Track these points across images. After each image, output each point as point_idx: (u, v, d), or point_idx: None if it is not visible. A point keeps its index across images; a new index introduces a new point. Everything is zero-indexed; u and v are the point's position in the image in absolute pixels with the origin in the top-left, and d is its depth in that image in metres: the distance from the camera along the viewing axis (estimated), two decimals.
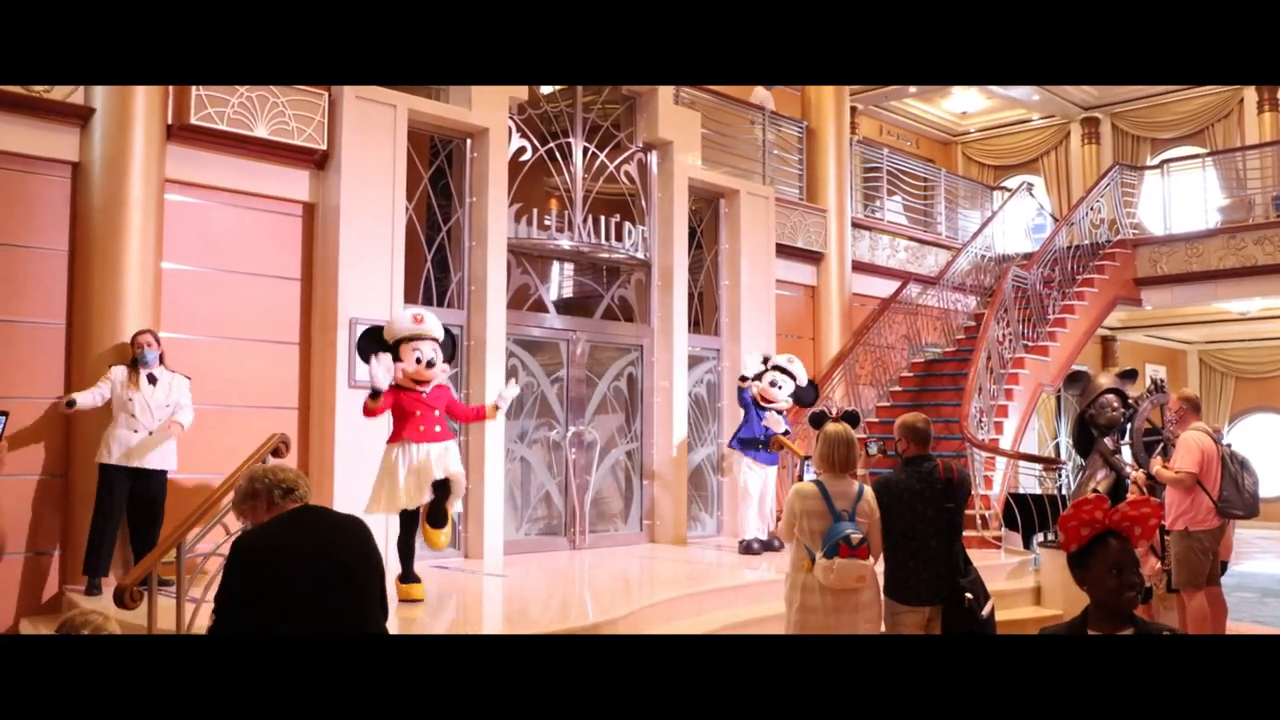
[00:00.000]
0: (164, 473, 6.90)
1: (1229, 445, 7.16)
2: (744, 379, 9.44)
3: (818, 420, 5.03)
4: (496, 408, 7.15)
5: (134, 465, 6.74)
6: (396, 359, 6.64)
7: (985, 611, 4.86)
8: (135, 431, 6.74)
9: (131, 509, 6.80)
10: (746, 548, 9.15)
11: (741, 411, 9.55)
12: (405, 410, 6.65)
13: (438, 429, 6.72)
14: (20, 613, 6.82)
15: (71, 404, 6.64)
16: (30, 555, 6.89)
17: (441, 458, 6.64)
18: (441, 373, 6.86)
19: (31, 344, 6.96)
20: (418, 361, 6.67)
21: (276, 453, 6.12)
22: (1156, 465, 7.23)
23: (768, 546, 9.17)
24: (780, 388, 9.35)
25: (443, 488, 6.64)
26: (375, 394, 6.51)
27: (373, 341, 6.71)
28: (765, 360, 9.55)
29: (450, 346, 7.09)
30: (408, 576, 6.66)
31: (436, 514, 6.68)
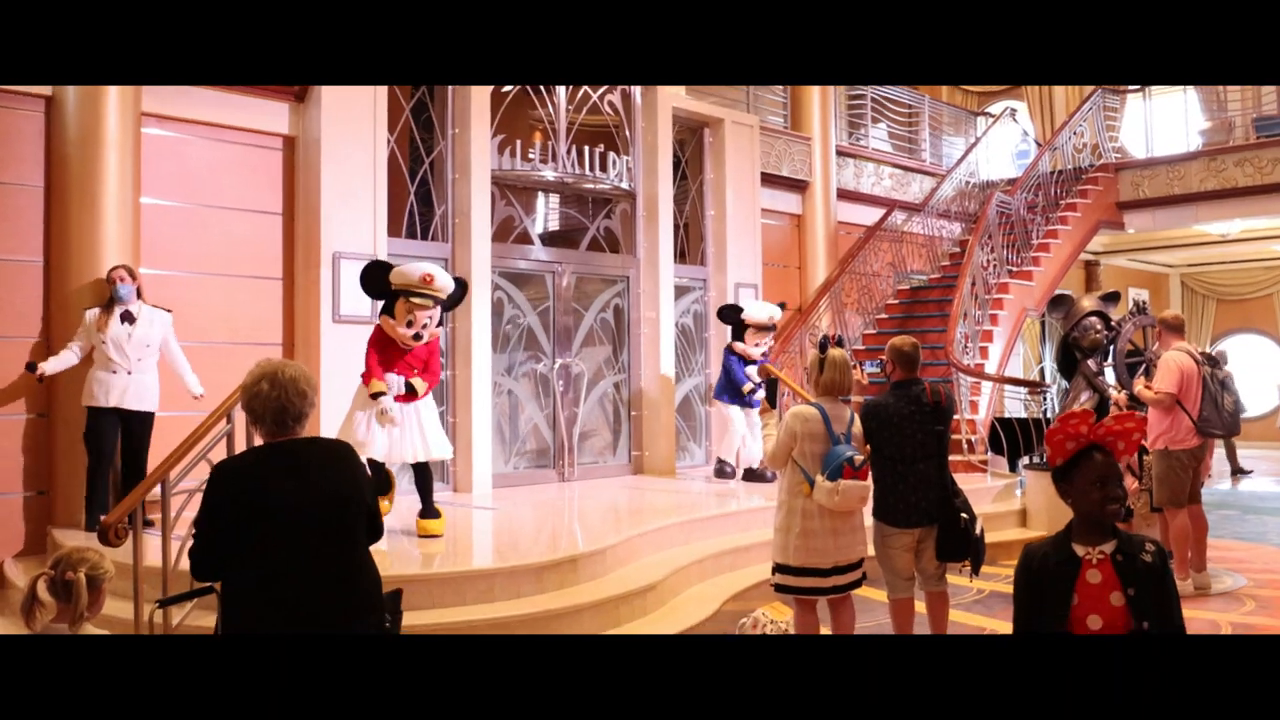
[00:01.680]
0: (150, 414, 6.87)
1: (1212, 365, 7.18)
2: (734, 332, 9.41)
3: (823, 345, 5.03)
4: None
5: (118, 406, 6.70)
6: (391, 308, 6.43)
7: (977, 531, 4.92)
8: (114, 372, 6.68)
9: (123, 449, 6.78)
10: (720, 470, 9.32)
11: (719, 368, 9.61)
12: (387, 360, 6.49)
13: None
14: (6, 553, 6.82)
15: (33, 368, 6.59)
16: (15, 495, 6.87)
17: (426, 423, 6.54)
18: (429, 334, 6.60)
19: (8, 282, 6.89)
20: (409, 325, 6.40)
21: None
22: (1139, 385, 7.28)
23: (758, 477, 9.22)
24: (758, 344, 9.34)
25: (422, 471, 6.61)
26: (377, 396, 6.39)
27: (380, 277, 6.44)
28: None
29: (460, 292, 6.79)
30: (426, 511, 6.71)
31: (429, 508, 6.65)
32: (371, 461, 6.50)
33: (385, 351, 6.50)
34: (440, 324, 6.77)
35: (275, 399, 3.12)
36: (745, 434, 9.31)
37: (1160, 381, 6.99)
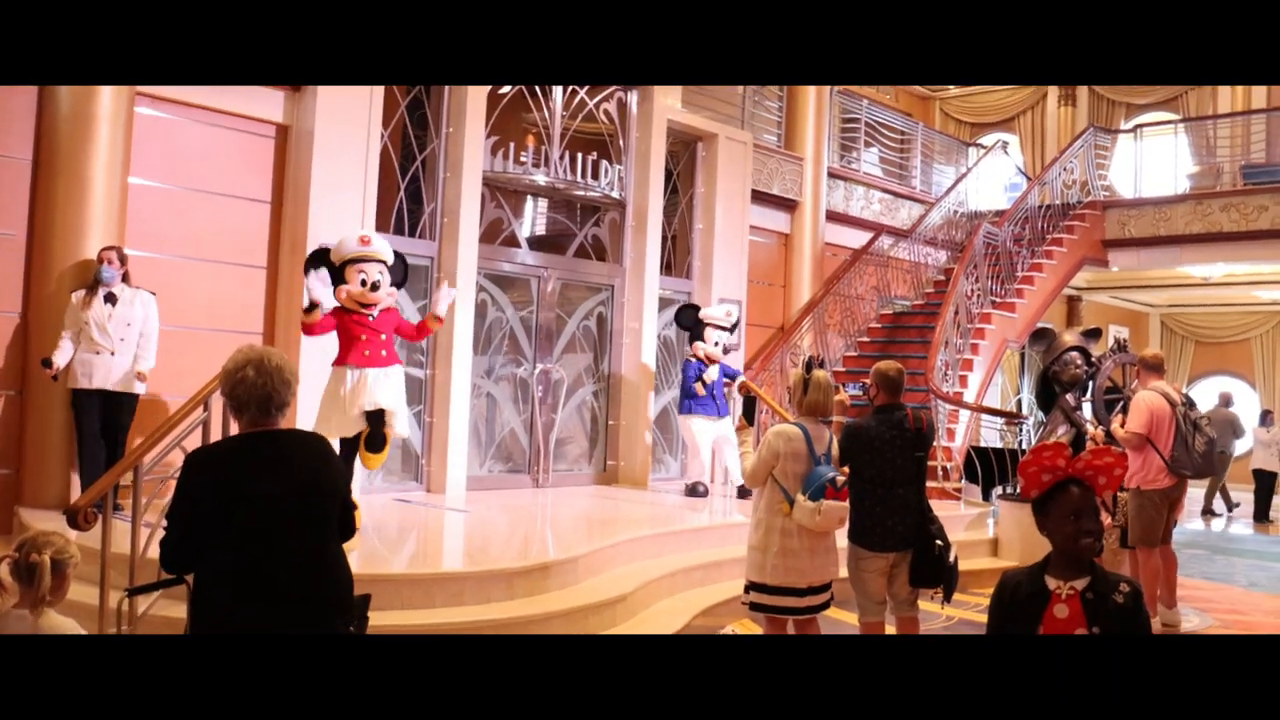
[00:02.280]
0: (134, 396, 6.81)
1: (1185, 406, 7.19)
2: (692, 336, 9.33)
3: (808, 366, 5.03)
4: (437, 318, 6.80)
5: (101, 388, 6.66)
6: (342, 281, 6.43)
7: (951, 558, 4.92)
8: (97, 353, 6.63)
9: (103, 431, 6.73)
10: (692, 490, 9.22)
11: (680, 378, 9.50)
12: (350, 334, 6.42)
13: (383, 353, 6.49)
14: None
15: (48, 364, 6.51)
16: None
17: (379, 383, 6.43)
18: (389, 296, 6.59)
19: None
20: (362, 284, 6.40)
21: None
22: (1115, 423, 7.32)
23: (748, 495, 9.18)
24: (718, 343, 9.25)
25: (375, 418, 6.47)
26: (310, 308, 6.30)
27: (318, 262, 6.52)
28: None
29: (401, 270, 6.82)
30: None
31: (374, 440, 6.48)
32: (371, 417, 6.42)
33: (347, 335, 6.43)
34: (399, 284, 6.76)
35: (261, 386, 3.07)
36: (725, 449, 9.24)
37: (1130, 421, 7.04)
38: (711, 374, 9.14)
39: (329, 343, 6.59)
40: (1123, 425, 7.14)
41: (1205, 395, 16.87)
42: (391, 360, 6.57)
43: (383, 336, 6.53)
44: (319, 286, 6.37)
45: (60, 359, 6.56)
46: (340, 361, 6.47)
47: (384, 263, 6.56)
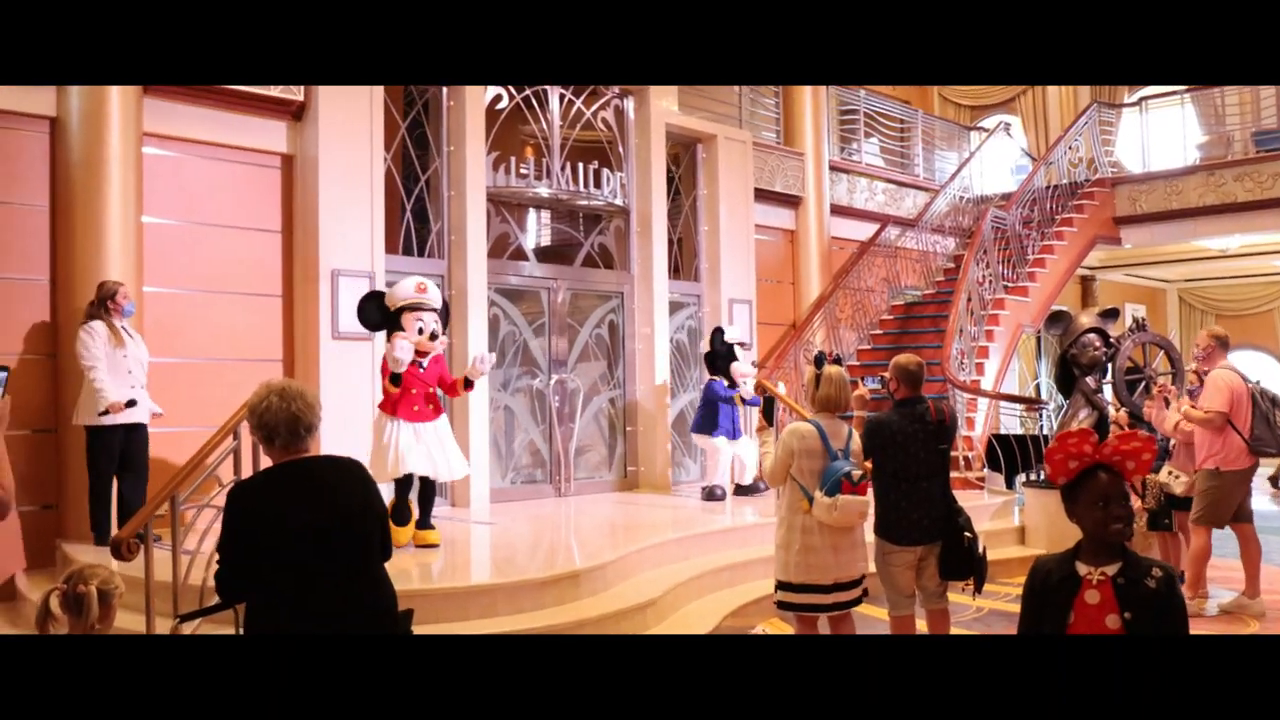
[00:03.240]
0: (145, 426, 6.84)
1: (1258, 382, 7.06)
2: (714, 366, 9.35)
3: (819, 361, 5.04)
4: (470, 383, 6.91)
5: (125, 422, 6.66)
6: (398, 328, 6.54)
7: (980, 550, 4.93)
8: (131, 388, 6.64)
9: (122, 464, 6.71)
10: (710, 494, 9.19)
11: (703, 399, 9.46)
12: (403, 385, 6.52)
13: (430, 406, 6.68)
14: (16, 567, 6.83)
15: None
16: (23, 511, 6.87)
17: (433, 442, 6.61)
18: (440, 345, 6.78)
19: (16, 300, 6.92)
20: (420, 332, 6.56)
21: None
22: (1185, 405, 7.02)
23: (751, 490, 9.26)
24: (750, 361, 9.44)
25: (429, 482, 6.72)
26: (396, 379, 6.41)
27: (376, 308, 6.62)
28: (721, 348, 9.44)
29: (444, 315, 6.96)
30: (424, 523, 6.80)
31: (425, 520, 6.77)
32: (400, 486, 6.64)
33: (400, 386, 6.54)
34: (441, 335, 6.87)
35: (286, 409, 3.17)
36: (737, 454, 9.30)
37: (1210, 400, 6.75)
38: (747, 390, 9.26)
39: (350, 370, 6.67)
40: (1194, 406, 6.87)
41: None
42: (438, 412, 6.74)
43: (430, 389, 6.68)
44: (405, 355, 6.39)
45: (115, 396, 6.47)
46: (389, 411, 6.59)
47: (436, 310, 6.70)
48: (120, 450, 6.68)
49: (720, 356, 9.26)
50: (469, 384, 6.88)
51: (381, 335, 6.92)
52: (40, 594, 3.25)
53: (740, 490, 9.38)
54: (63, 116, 7.01)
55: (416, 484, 6.84)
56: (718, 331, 9.40)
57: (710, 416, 9.21)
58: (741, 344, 9.46)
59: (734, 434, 9.23)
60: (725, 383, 9.19)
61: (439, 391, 6.86)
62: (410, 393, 6.55)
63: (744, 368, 9.26)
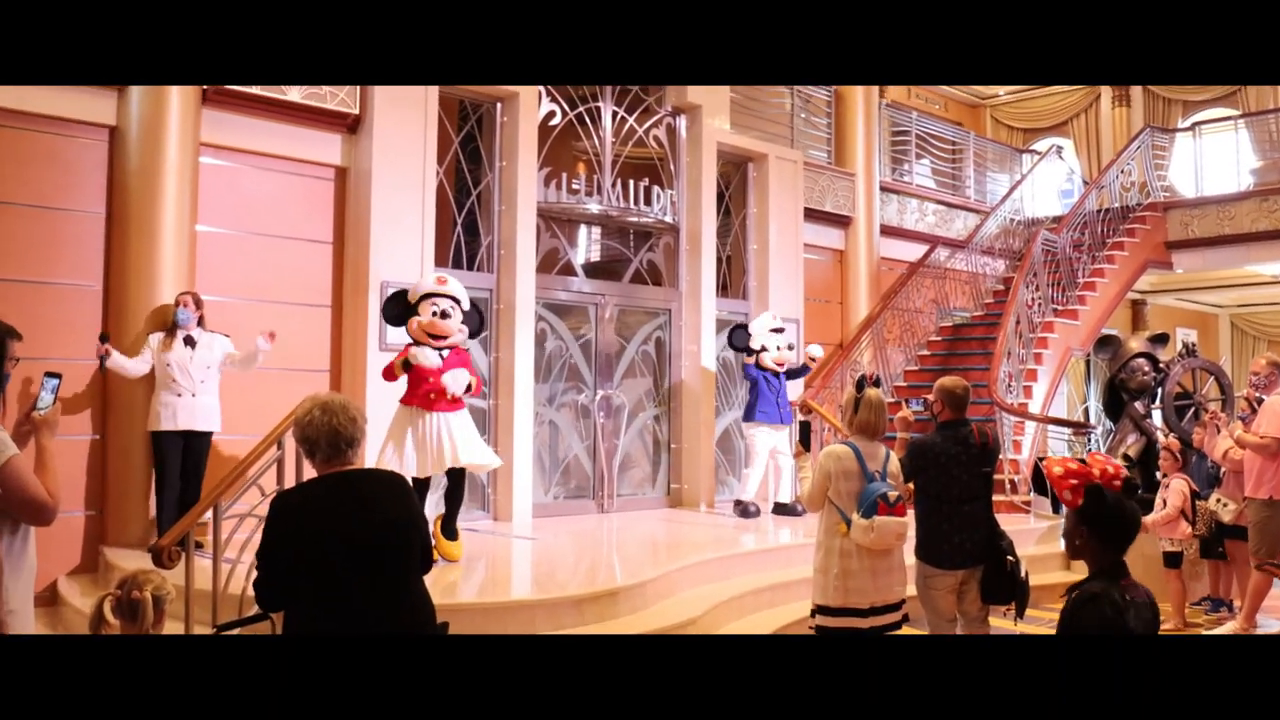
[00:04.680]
0: (209, 434, 7.00)
1: None
2: (748, 352, 9.42)
3: (860, 384, 5.02)
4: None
5: (184, 429, 6.85)
6: (415, 314, 6.62)
7: (1023, 574, 4.88)
8: (179, 395, 6.82)
9: (182, 469, 6.90)
10: (744, 510, 9.15)
11: (747, 385, 9.53)
12: (419, 374, 6.52)
13: (449, 399, 6.57)
14: (59, 571, 6.91)
15: (105, 339, 6.74)
16: (70, 515, 6.97)
17: (448, 433, 6.51)
18: (459, 331, 6.73)
19: (69, 306, 7.04)
20: (434, 313, 6.58)
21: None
22: (1238, 430, 6.89)
23: (788, 510, 9.21)
24: (780, 347, 9.38)
25: (457, 475, 6.69)
26: (406, 364, 6.47)
27: (398, 304, 6.71)
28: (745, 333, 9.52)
29: (476, 319, 6.98)
30: (449, 530, 6.77)
31: (450, 525, 6.73)
32: (452, 474, 6.66)
33: (414, 374, 6.54)
34: (475, 334, 6.94)
35: (328, 424, 3.21)
36: (777, 458, 9.26)
37: (1266, 426, 6.60)
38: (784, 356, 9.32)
39: (398, 382, 6.71)
40: (1249, 431, 6.73)
41: None
42: (458, 404, 6.64)
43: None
44: (431, 357, 6.48)
45: (117, 361, 6.72)
46: (407, 401, 6.59)
47: (456, 301, 6.71)
48: (181, 455, 6.87)
49: (749, 352, 9.36)
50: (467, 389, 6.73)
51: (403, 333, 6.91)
52: (84, 599, 3.32)
53: (778, 509, 9.34)
54: (122, 125, 7.16)
55: (442, 483, 6.84)
56: (736, 330, 9.49)
57: (753, 401, 9.25)
58: (775, 329, 9.44)
59: (778, 417, 9.19)
60: (757, 366, 9.29)
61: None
62: (426, 380, 6.48)
63: (771, 355, 9.30)
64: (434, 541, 6.56)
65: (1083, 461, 3.14)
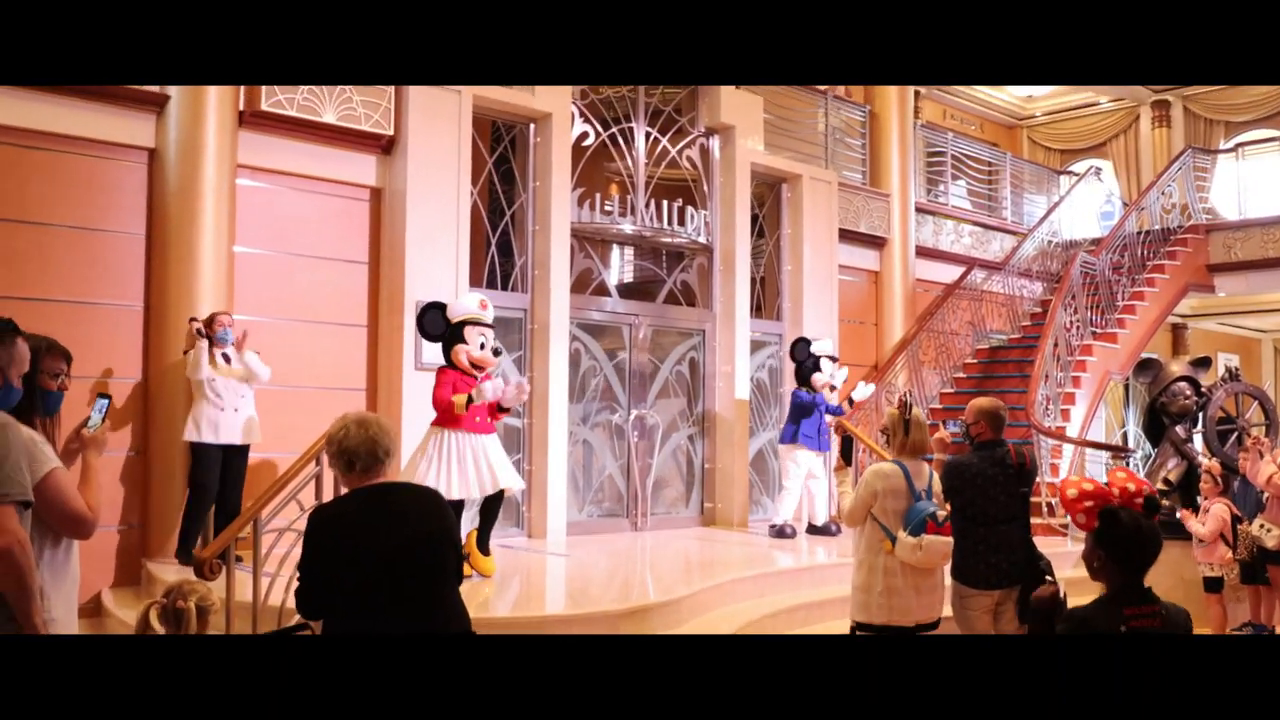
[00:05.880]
0: (247, 448, 7.07)
1: None
2: (802, 369, 9.39)
3: (908, 406, 5.00)
4: (502, 408, 6.74)
5: (225, 443, 6.92)
6: (459, 339, 6.62)
7: (1061, 595, 4.82)
8: (221, 410, 6.89)
9: (221, 483, 6.96)
10: (779, 532, 9.12)
11: (790, 408, 9.47)
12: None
13: (488, 419, 6.62)
14: (103, 584, 7.02)
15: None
16: (113, 529, 7.08)
17: (490, 455, 6.54)
18: (499, 364, 6.87)
19: (111, 325, 7.15)
20: (482, 348, 6.62)
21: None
22: (1277, 459, 6.89)
23: (824, 531, 9.19)
24: (833, 374, 9.39)
25: (495, 498, 6.69)
26: (470, 401, 6.39)
27: (440, 316, 6.69)
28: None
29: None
30: (482, 545, 6.76)
31: (484, 541, 6.73)
32: (491, 498, 6.67)
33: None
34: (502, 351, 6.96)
35: (365, 434, 3.30)
36: (810, 482, 9.23)
37: None
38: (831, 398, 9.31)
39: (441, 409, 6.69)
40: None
41: None
42: (489, 427, 6.69)
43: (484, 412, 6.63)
44: (496, 389, 6.45)
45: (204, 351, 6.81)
46: (442, 423, 6.54)
47: (493, 328, 6.79)
48: (221, 470, 6.92)
49: (803, 367, 9.31)
50: (502, 409, 6.70)
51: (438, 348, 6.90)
52: (127, 610, 3.37)
53: (813, 530, 9.32)
54: (161, 148, 7.27)
55: (477, 501, 6.84)
56: (799, 342, 9.45)
57: (796, 425, 9.21)
58: (831, 358, 9.44)
59: (818, 444, 9.16)
60: (807, 391, 9.19)
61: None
62: (462, 422, 6.50)
63: (823, 377, 9.27)
64: (467, 555, 6.56)
65: (1104, 482, 3.12)
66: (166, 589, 3.35)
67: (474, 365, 6.62)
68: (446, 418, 6.52)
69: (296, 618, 3.51)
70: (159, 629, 3.25)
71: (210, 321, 6.91)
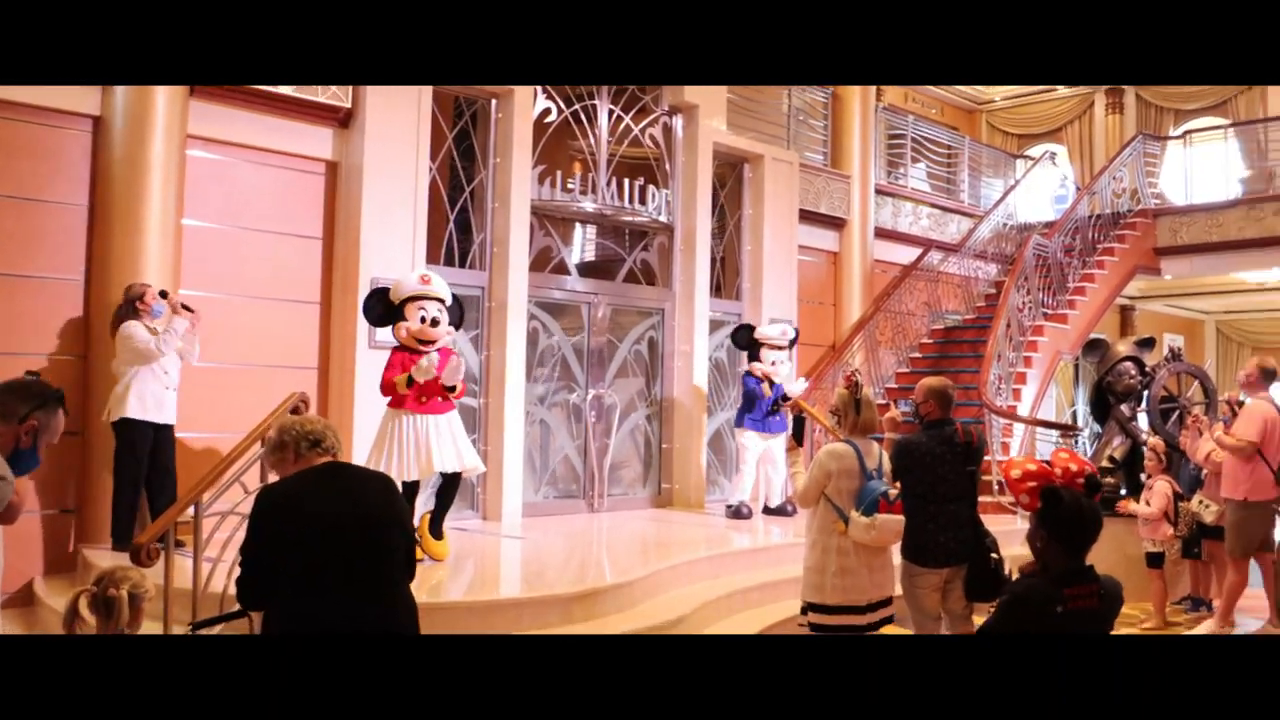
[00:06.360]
0: (173, 426, 6.82)
1: None
2: (748, 352, 9.44)
3: (856, 386, 5.03)
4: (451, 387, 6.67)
5: (156, 420, 6.64)
6: (402, 319, 6.55)
7: (1006, 572, 4.88)
8: (167, 388, 6.68)
9: (150, 465, 6.69)
10: (735, 512, 9.15)
11: (742, 395, 9.51)
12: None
13: (440, 398, 6.53)
14: (34, 572, 6.77)
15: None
16: (46, 514, 6.85)
17: (442, 436, 6.46)
18: (446, 334, 6.73)
19: (51, 299, 6.94)
20: (422, 320, 6.53)
21: (296, 411, 5.98)
22: (1218, 431, 7.01)
23: (779, 512, 9.22)
24: (777, 364, 9.36)
25: (451, 483, 6.63)
26: (410, 381, 6.35)
27: (379, 302, 6.65)
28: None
29: (457, 312, 6.98)
30: (435, 530, 6.68)
31: (437, 524, 6.65)
32: (447, 479, 6.60)
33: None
34: (456, 326, 6.91)
35: (306, 426, 3.32)
36: (767, 467, 9.26)
37: (1243, 429, 6.75)
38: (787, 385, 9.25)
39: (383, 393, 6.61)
40: (1227, 433, 6.87)
41: None
42: (447, 405, 6.60)
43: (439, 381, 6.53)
44: (432, 363, 6.40)
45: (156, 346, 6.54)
46: (396, 405, 6.49)
47: (442, 301, 6.67)
48: (150, 451, 6.66)
49: (749, 352, 9.35)
50: (449, 387, 6.60)
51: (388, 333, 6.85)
52: (60, 599, 3.28)
53: (769, 511, 9.36)
54: (107, 115, 7.07)
55: (434, 482, 6.79)
56: (741, 328, 9.50)
57: (744, 409, 9.23)
58: (777, 347, 9.37)
59: (764, 427, 9.15)
60: (754, 377, 9.25)
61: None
62: (416, 383, 6.42)
63: (761, 366, 9.28)
64: (419, 540, 6.49)
65: (1047, 462, 3.16)
66: (97, 576, 3.25)
67: (418, 340, 6.55)
68: (395, 400, 6.48)
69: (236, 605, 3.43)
70: (89, 618, 3.16)
71: (143, 296, 6.65)
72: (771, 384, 9.26)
